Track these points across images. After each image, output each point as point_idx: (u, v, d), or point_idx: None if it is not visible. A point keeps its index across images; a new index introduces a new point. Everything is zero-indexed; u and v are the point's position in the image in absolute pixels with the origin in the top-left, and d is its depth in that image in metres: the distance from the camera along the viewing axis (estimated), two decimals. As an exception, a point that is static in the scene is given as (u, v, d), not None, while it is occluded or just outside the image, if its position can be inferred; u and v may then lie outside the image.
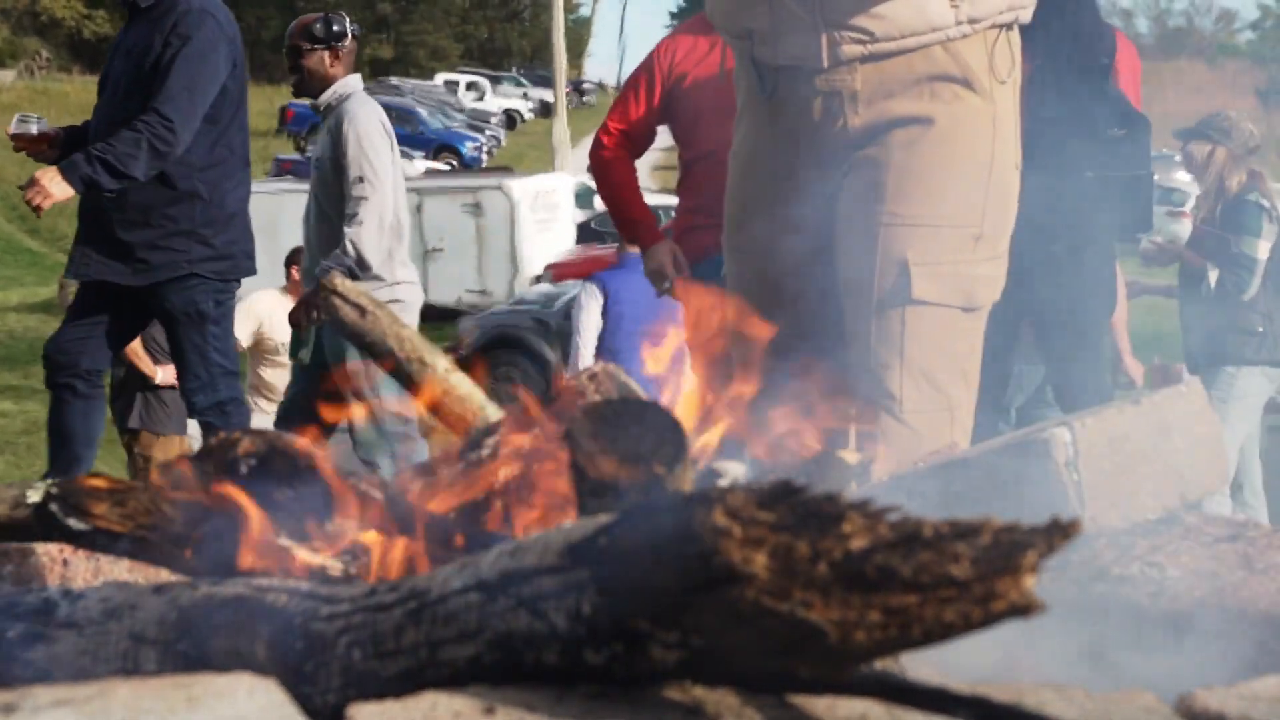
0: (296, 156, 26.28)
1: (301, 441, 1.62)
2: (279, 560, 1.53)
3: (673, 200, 4.35)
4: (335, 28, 4.70)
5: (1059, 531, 0.99)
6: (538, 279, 15.38)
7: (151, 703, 0.99)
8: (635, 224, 4.11)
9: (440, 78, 46.82)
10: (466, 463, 1.70)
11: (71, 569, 1.83)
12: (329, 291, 2.00)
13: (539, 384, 10.05)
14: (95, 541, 1.67)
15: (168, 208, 4.18)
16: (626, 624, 1.07)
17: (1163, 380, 5.22)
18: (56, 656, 1.43)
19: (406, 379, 2.01)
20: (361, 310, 1.98)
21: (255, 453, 1.58)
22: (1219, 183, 5.19)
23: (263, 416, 6.26)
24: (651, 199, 4.46)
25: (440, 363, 1.99)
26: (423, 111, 34.85)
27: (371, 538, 1.56)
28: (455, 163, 30.98)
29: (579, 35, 62.75)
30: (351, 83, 4.73)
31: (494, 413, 1.95)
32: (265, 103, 35.25)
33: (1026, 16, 2.53)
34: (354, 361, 4.43)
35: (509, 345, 10.88)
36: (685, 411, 1.70)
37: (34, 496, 1.71)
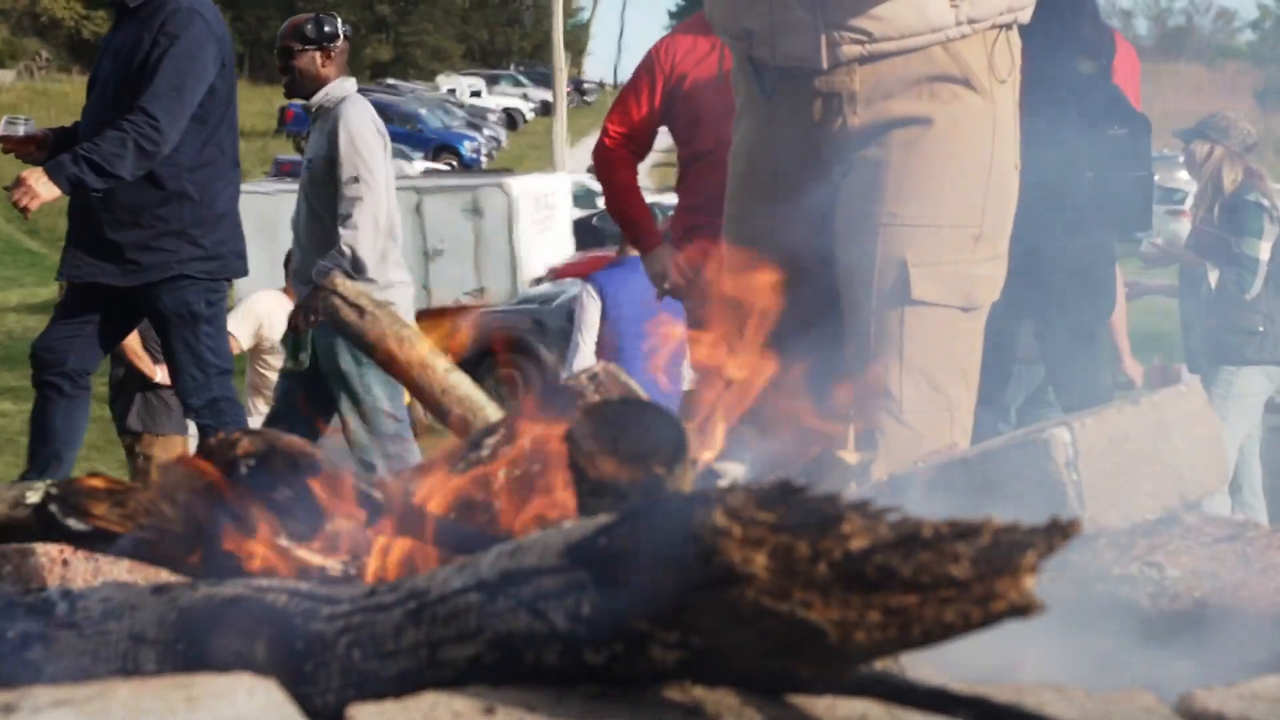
0: (296, 157, 26.24)
1: (301, 441, 1.62)
2: (279, 560, 1.53)
3: (671, 199, 4.35)
4: (327, 28, 4.69)
5: (1058, 532, 0.99)
6: (538, 281, 15.39)
7: (151, 703, 0.99)
8: (637, 227, 4.11)
9: (441, 82, 46.83)
10: (466, 463, 1.70)
11: (71, 569, 1.83)
12: (329, 292, 2.00)
13: (538, 384, 10.05)
14: (95, 542, 1.67)
15: (157, 208, 4.17)
16: (626, 624, 1.07)
17: (1162, 380, 5.22)
18: (56, 657, 1.43)
19: (406, 379, 2.01)
20: (361, 311, 1.98)
21: (255, 453, 1.58)
22: (1216, 180, 5.19)
23: (261, 417, 6.26)
24: (649, 197, 4.46)
25: (440, 363, 1.99)
26: (422, 111, 34.83)
27: (371, 538, 1.56)
28: (455, 163, 30.96)
29: (579, 35, 62.78)
30: (344, 84, 4.73)
31: (494, 412, 1.95)
32: (265, 103, 35.25)
33: (1026, 17, 2.53)
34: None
35: (508, 346, 10.88)
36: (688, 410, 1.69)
37: (33, 497, 1.71)
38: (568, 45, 29.46)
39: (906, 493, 1.75)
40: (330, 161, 4.55)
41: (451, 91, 44.64)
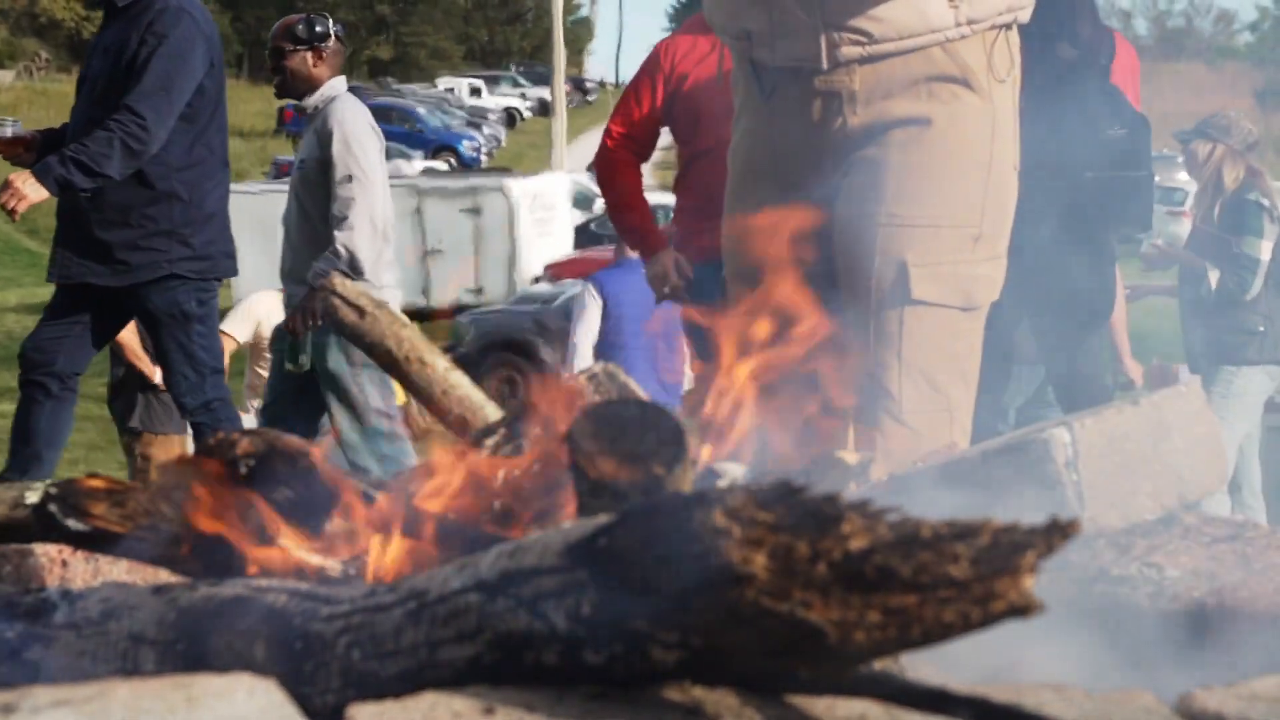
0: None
1: (300, 442, 1.62)
2: (278, 561, 1.53)
3: (672, 199, 4.34)
4: (318, 28, 4.68)
5: (1058, 532, 0.99)
6: (537, 280, 15.39)
7: (151, 703, 0.99)
8: (639, 231, 4.11)
9: (441, 82, 46.83)
10: (466, 462, 1.70)
11: (70, 570, 1.83)
12: (328, 293, 2.00)
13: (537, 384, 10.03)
14: (94, 542, 1.67)
15: (146, 208, 4.15)
16: (626, 624, 1.07)
17: (1161, 381, 5.22)
18: (56, 657, 1.43)
19: (405, 379, 2.01)
20: (361, 311, 1.98)
21: (254, 453, 1.58)
22: (1217, 178, 5.19)
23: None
24: (652, 197, 4.44)
25: (440, 362, 1.99)
26: (421, 110, 34.81)
27: (371, 538, 1.56)
28: (454, 162, 30.95)
29: (580, 33, 62.76)
30: (337, 84, 4.71)
31: (493, 412, 1.95)
32: (264, 103, 35.22)
33: (1025, 17, 2.53)
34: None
35: (508, 346, 10.88)
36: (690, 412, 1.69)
37: (33, 497, 1.71)
38: (568, 43, 29.44)
39: (906, 493, 1.75)
40: (323, 162, 4.54)
41: (451, 90, 44.66)
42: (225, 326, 6.21)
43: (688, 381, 6.02)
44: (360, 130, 4.55)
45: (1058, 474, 1.72)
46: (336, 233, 4.45)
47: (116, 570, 1.82)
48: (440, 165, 27.68)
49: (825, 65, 2.43)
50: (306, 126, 4.73)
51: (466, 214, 17.19)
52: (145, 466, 5.85)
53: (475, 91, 45.19)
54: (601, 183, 4.27)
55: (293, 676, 1.22)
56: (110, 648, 1.40)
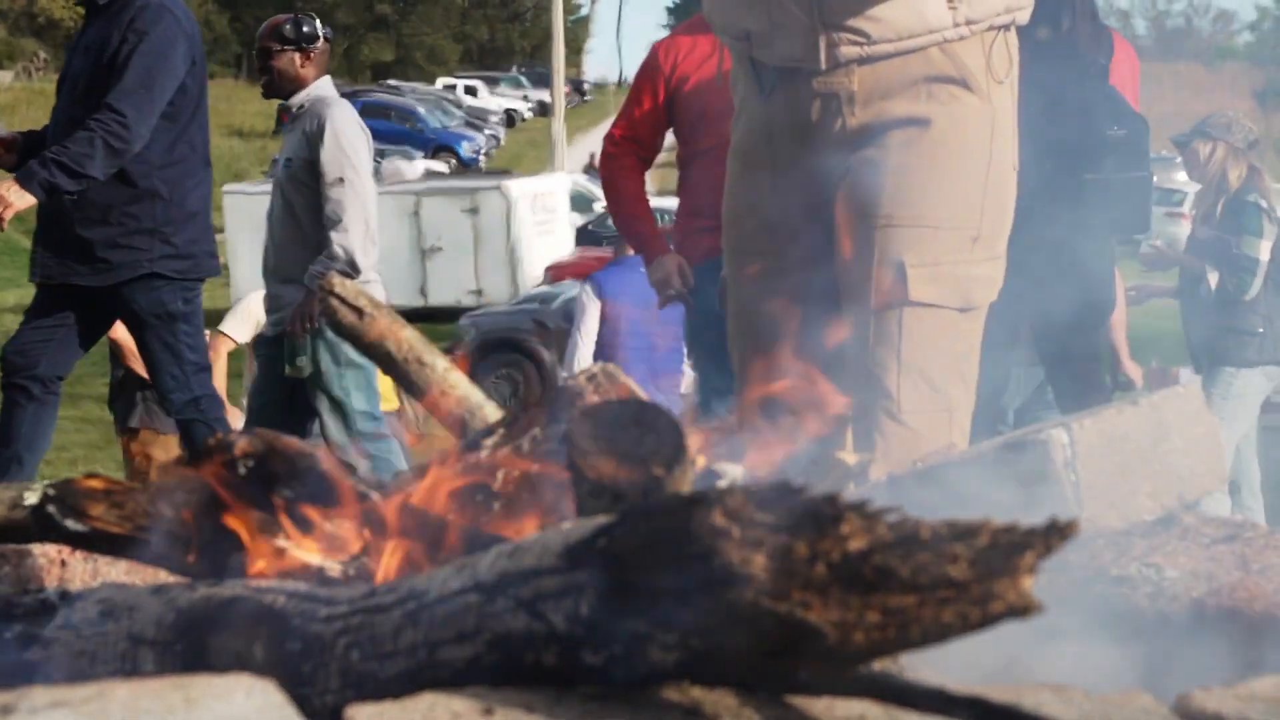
0: (294, 157, 26.17)
1: (299, 442, 1.62)
2: (277, 561, 1.53)
3: (672, 203, 4.34)
4: (306, 29, 4.69)
5: (1057, 532, 0.99)
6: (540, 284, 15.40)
7: (150, 704, 0.99)
8: (641, 236, 4.11)
9: (440, 82, 46.86)
10: (465, 463, 1.70)
11: (69, 570, 1.83)
12: (327, 293, 2.00)
13: (537, 385, 10.05)
14: (93, 543, 1.67)
15: (128, 206, 4.14)
16: (625, 625, 1.07)
17: (1161, 382, 5.22)
18: (54, 657, 1.43)
19: (404, 380, 2.00)
20: (360, 312, 1.98)
21: (253, 453, 1.58)
22: (1221, 178, 5.19)
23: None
24: (651, 200, 4.44)
25: (439, 363, 1.99)
26: (421, 110, 34.80)
27: (370, 539, 1.56)
28: (454, 162, 30.95)
29: (578, 34, 62.73)
30: (324, 85, 4.72)
31: (492, 413, 1.95)
32: (263, 104, 35.10)
33: (1024, 18, 2.53)
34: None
35: (508, 346, 10.88)
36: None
37: (31, 498, 1.70)
38: (567, 43, 29.44)
39: (905, 493, 1.75)
40: (311, 162, 4.54)
41: (450, 89, 44.67)
42: (224, 327, 6.21)
43: (686, 382, 6.03)
44: (351, 131, 4.56)
45: (1057, 474, 1.72)
46: (332, 234, 4.46)
47: (115, 571, 1.82)
48: (441, 166, 27.68)
49: (824, 65, 2.43)
50: (291, 125, 4.74)
51: (466, 214, 17.20)
52: (144, 467, 5.85)
53: (472, 91, 45.21)
54: (605, 187, 4.27)
55: (292, 677, 1.22)
56: (109, 648, 1.40)
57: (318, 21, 4.77)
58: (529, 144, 38.55)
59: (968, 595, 0.97)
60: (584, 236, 18.75)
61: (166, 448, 5.92)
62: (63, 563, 1.83)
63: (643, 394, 1.86)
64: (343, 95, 4.83)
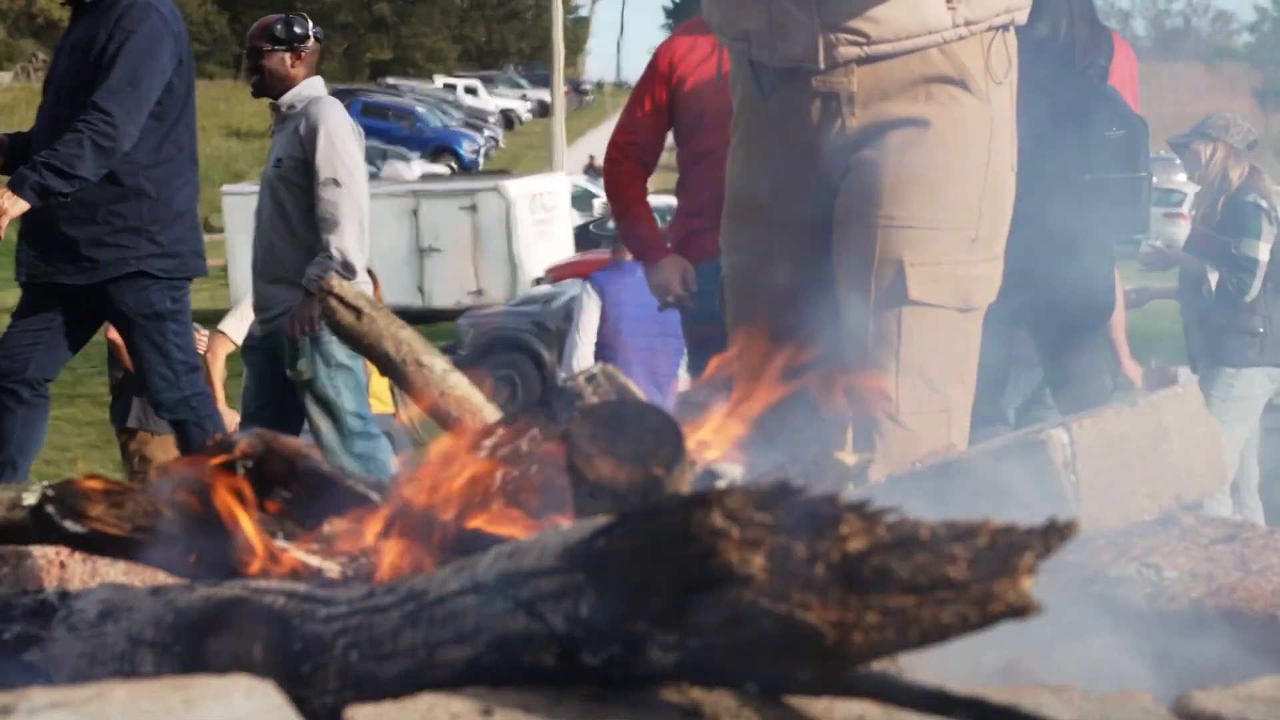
0: (294, 158, 26.13)
1: (298, 443, 1.62)
2: (276, 562, 1.53)
3: (671, 202, 4.35)
4: (297, 29, 4.69)
5: (1056, 533, 0.99)
6: (537, 281, 15.40)
7: (148, 704, 0.99)
8: (643, 241, 4.11)
9: (439, 81, 46.87)
10: (464, 464, 1.70)
11: (68, 571, 1.83)
12: (325, 294, 2.00)
13: (537, 385, 10.05)
14: (92, 543, 1.67)
15: (114, 204, 4.12)
16: (624, 626, 1.07)
17: (1160, 383, 5.22)
18: (53, 658, 1.43)
19: (403, 380, 2.00)
20: (359, 313, 1.98)
21: (253, 454, 1.58)
22: (1222, 178, 5.19)
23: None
24: (651, 199, 4.45)
25: (438, 363, 1.99)
26: (421, 111, 34.81)
27: (370, 539, 1.56)
28: (454, 165, 30.94)
29: (577, 34, 62.74)
30: (315, 84, 4.72)
31: (492, 414, 1.95)
32: (262, 104, 35.10)
33: (1023, 18, 2.53)
34: None
35: (507, 347, 10.88)
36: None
37: (30, 499, 1.70)
38: (566, 44, 29.45)
39: (904, 494, 1.75)
40: (303, 161, 4.54)
41: (450, 89, 44.68)
42: (224, 327, 6.21)
43: (684, 383, 6.03)
44: (343, 131, 4.56)
45: (1055, 475, 1.72)
46: (328, 236, 4.46)
47: (114, 572, 1.82)
48: (440, 169, 27.66)
49: (823, 65, 2.43)
50: (281, 125, 4.74)
51: (465, 215, 17.20)
52: (143, 467, 5.85)
53: (472, 91, 45.22)
54: (608, 191, 4.27)
55: (291, 678, 1.22)
56: (108, 649, 1.40)
57: (309, 21, 4.77)
58: (528, 145, 38.56)
59: (967, 596, 0.97)
60: (584, 237, 18.76)
61: (165, 448, 5.92)
62: (61, 564, 1.83)
63: (642, 395, 1.86)
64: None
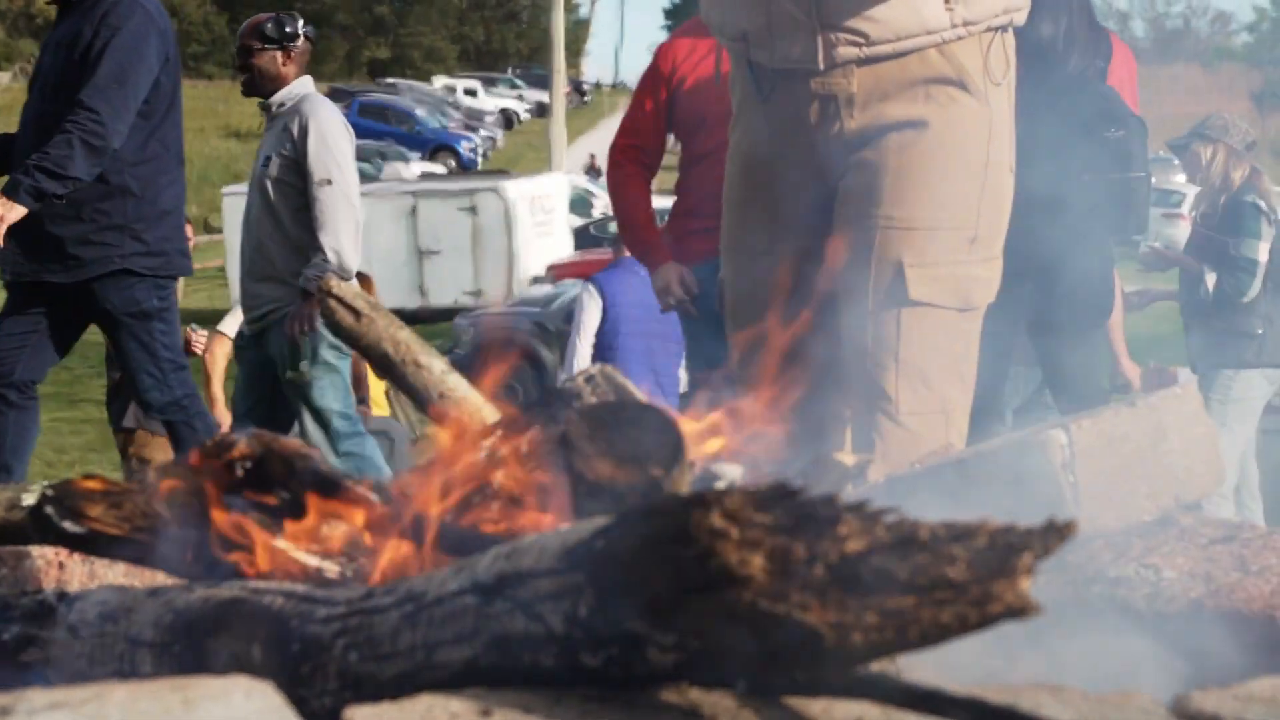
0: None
1: (297, 443, 1.62)
2: (275, 563, 1.53)
3: (669, 202, 4.35)
4: (287, 28, 4.68)
5: (1055, 533, 0.99)
6: (536, 280, 15.40)
7: (148, 705, 0.99)
8: (645, 244, 4.11)
9: (438, 82, 46.87)
10: (462, 464, 1.70)
11: (67, 572, 1.83)
12: (324, 295, 2.00)
13: (537, 386, 10.05)
14: (91, 544, 1.67)
15: (99, 202, 4.11)
16: (623, 626, 1.07)
17: (1159, 383, 5.22)
18: (52, 659, 1.43)
19: (402, 381, 2.00)
20: (358, 313, 1.98)
21: (251, 455, 1.58)
22: (1223, 179, 5.19)
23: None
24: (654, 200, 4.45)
25: (437, 364, 1.99)
26: (420, 111, 34.81)
27: (369, 540, 1.56)
28: (454, 164, 30.95)
29: (577, 35, 62.75)
30: (305, 83, 4.72)
31: (491, 414, 1.95)
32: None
33: (1021, 19, 2.53)
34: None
35: (507, 347, 10.87)
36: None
37: (29, 499, 1.70)
38: (566, 45, 29.47)
39: (903, 494, 1.75)
40: (293, 160, 4.54)
41: (449, 89, 44.70)
42: (223, 327, 6.22)
43: (684, 383, 6.03)
44: (335, 131, 4.56)
45: (1054, 475, 1.72)
46: (324, 237, 4.45)
47: (113, 573, 1.82)
48: (438, 169, 27.65)
49: (821, 66, 2.43)
50: (271, 124, 4.73)
51: (464, 215, 17.21)
52: (142, 468, 5.85)
53: (471, 92, 45.23)
54: (611, 195, 4.28)
55: (290, 679, 1.22)
56: (107, 650, 1.40)
57: (299, 20, 4.77)
58: (527, 144, 38.56)
59: (966, 596, 0.97)
60: (583, 237, 18.77)
61: (163, 448, 5.92)
62: (60, 564, 1.83)
63: (641, 395, 1.86)
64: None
